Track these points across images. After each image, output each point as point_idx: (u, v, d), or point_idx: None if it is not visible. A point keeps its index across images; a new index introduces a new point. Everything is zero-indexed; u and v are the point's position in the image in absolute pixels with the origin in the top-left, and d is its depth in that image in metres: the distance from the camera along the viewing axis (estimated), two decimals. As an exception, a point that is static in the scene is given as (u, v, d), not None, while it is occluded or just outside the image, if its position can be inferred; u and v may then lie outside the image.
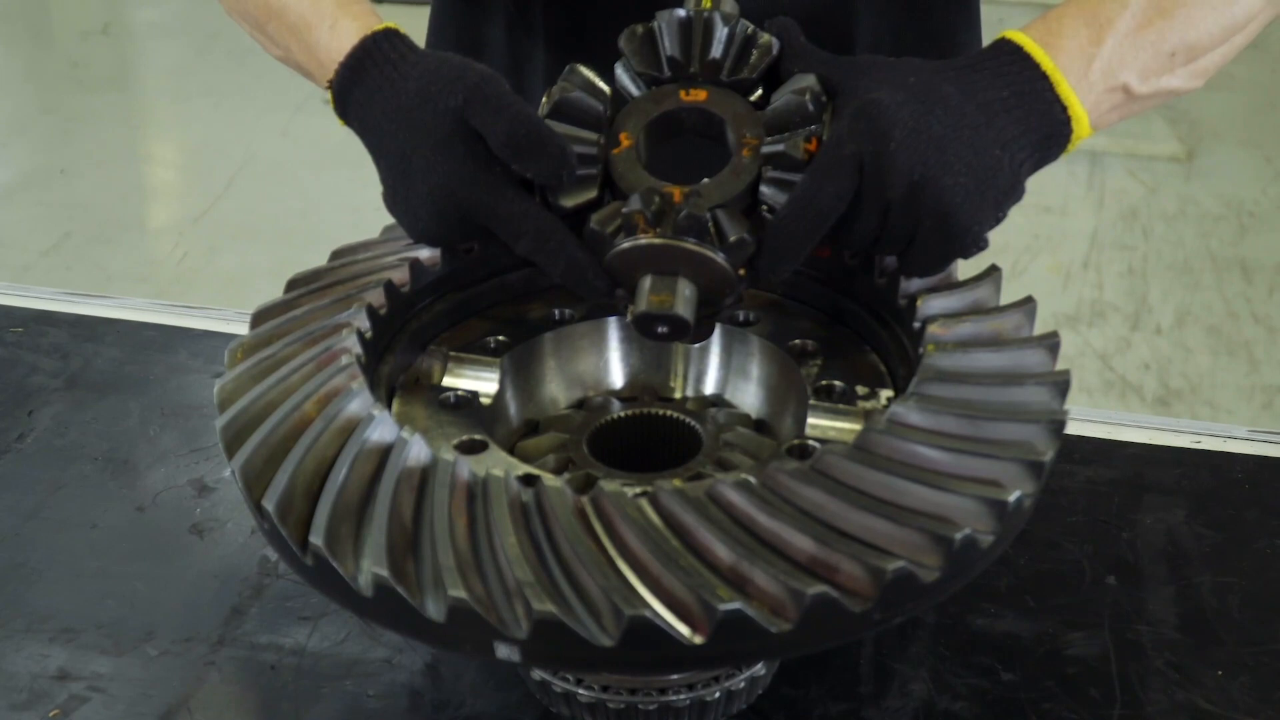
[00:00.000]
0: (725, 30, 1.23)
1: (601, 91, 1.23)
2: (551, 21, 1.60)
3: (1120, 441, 1.55)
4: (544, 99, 1.22)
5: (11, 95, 6.23)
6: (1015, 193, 1.14)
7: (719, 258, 1.13)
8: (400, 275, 1.27)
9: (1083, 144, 1.18)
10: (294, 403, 1.08)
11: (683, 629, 0.92)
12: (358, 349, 1.16)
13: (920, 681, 1.25)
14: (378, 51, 1.25)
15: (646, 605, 0.92)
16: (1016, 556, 1.36)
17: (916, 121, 1.11)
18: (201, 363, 1.70)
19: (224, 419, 1.09)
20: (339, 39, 1.27)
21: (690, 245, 1.13)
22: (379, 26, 1.27)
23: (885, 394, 1.20)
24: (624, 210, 1.15)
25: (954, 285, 1.23)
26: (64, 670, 1.27)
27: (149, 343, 1.75)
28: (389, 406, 1.22)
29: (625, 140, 1.21)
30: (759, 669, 1.19)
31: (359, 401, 1.08)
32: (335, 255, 1.33)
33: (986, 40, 1.68)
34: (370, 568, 0.96)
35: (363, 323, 1.20)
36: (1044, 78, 1.15)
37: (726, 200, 1.16)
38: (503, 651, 0.95)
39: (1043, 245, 4.54)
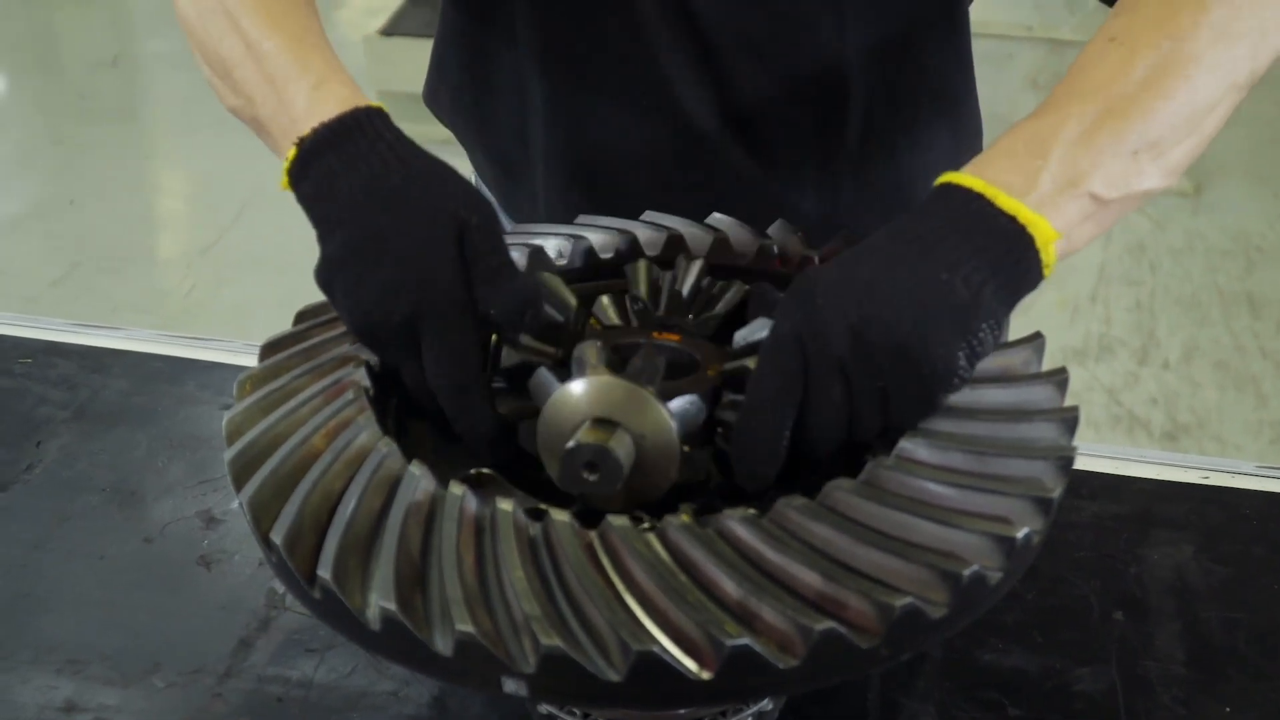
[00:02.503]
0: (694, 281, 1.26)
1: (567, 305, 1.21)
2: (550, 63, 1.60)
3: (1128, 477, 1.54)
4: None
5: (20, 126, 6.25)
6: (979, 312, 1.04)
7: (668, 416, 1.06)
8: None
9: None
10: (303, 435, 1.09)
11: (690, 664, 0.92)
12: (367, 382, 1.16)
13: (927, 716, 1.24)
14: (370, 125, 1.19)
15: (654, 640, 0.92)
16: (1024, 591, 1.36)
17: (841, 274, 1.04)
18: (210, 394, 1.71)
19: (232, 451, 1.09)
20: (323, 101, 1.22)
21: (639, 388, 1.06)
22: (374, 104, 1.22)
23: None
24: (576, 352, 1.12)
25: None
26: (70, 702, 1.27)
27: (157, 374, 1.75)
28: (398, 439, 1.22)
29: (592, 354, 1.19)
30: (766, 704, 1.19)
31: (367, 434, 1.08)
32: (344, 288, 1.33)
33: (980, 75, 1.68)
34: (378, 601, 0.96)
35: (372, 355, 1.20)
36: (979, 197, 1.08)
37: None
38: (510, 686, 0.95)
39: (1050, 280, 4.50)
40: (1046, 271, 1.10)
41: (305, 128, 1.20)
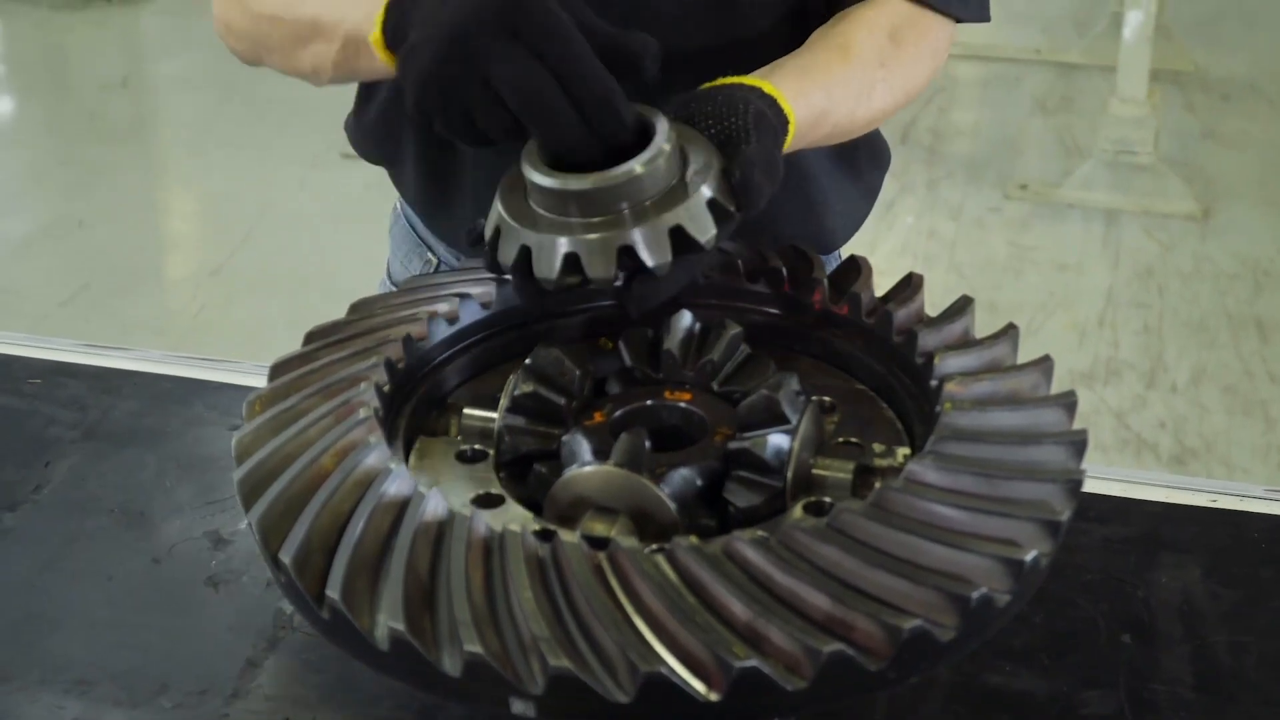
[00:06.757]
0: (729, 342, 1.28)
1: (570, 381, 1.23)
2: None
3: (1136, 500, 1.54)
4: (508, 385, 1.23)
5: (31, 147, 6.27)
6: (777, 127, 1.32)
7: (665, 500, 1.11)
8: (419, 329, 1.27)
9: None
10: (311, 455, 1.09)
11: (698, 686, 0.92)
12: (375, 402, 1.16)
13: (935, 740, 1.24)
14: None
15: (662, 662, 0.92)
16: (1032, 614, 1.36)
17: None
18: (218, 415, 1.71)
19: (241, 471, 1.09)
20: None
21: (637, 478, 1.11)
22: None
23: (902, 451, 1.20)
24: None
25: (972, 343, 1.23)
26: (78, 722, 1.27)
27: (166, 395, 1.75)
28: (406, 460, 1.22)
29: (599, 417, 1.22)
30: (774, 726, 1.19)
31: (376, 455, 1.08)
32: (354, 308, 1.33)
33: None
34: (386, 622, 0.96)
35: (381, 376, 1.20)
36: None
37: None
38: (518, 707, 0.95)
39: (1058, 303, 4.54)
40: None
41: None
